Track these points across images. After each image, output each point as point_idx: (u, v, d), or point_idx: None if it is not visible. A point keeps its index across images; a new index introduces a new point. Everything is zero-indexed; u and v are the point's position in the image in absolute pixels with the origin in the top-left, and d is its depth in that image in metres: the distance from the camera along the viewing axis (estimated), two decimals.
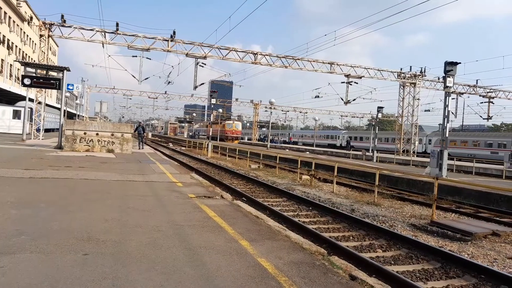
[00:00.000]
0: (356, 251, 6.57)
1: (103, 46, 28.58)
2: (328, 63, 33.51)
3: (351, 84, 34.23)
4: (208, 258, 4.32)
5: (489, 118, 39.49)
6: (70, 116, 56.49)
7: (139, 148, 25.23)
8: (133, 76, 32.40)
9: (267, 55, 32.70)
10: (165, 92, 63.46)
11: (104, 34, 28.16)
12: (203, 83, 33.99)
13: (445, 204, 11.80)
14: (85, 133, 18.73)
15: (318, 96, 46.35)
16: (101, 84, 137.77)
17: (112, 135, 19.60)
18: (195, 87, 31.82)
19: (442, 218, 10.15)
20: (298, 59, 32.56)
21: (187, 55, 30.09)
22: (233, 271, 3.97)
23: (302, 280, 3.90)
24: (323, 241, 6.99)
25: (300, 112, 74.51)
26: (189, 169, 17.46)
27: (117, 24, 27.78)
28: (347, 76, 33.87)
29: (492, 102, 39.03)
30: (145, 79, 34.97)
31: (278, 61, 32.67)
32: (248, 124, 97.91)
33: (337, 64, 33.75)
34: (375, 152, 31.02)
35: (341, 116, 76.49)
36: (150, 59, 31.88)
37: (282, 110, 75.03)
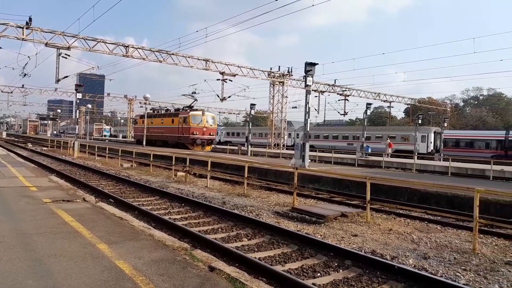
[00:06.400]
0: (222, 242, 6.81)
1: None
2: (204, 59, 33.76)
3: (226, 82, 35.14)
4: (58, 267, 4.00)
5: (345, 114, 44.60)
6: None
7: None
8: None
9: (139, 48, 31.43)
10: (22, 85, 55.64)
11: None
12: (67, 76, 30.91)
13: (306, 192, 13.00)
14: None
15: (195, 93, 46.37)
16: None
17: None
18: (58, 80, 28.83)
19: (303, 204, 11.17)
20: (173, 54, 32.05)
21: (46, 44, 27.03)
22: (84, 278, 3.75)
23: (160, 278, 3.89)
24: (189, 235, 7.07)
25: None
26: (50, 172, 15.76)
27: None
28: (222, 73, 34.65)
29: (347, 100, 44.18)
30: None
31: (152, 55, 31.69)
32: (122, 121, 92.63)
33: (212, 61, 34.22)
34: (249, 146, 32.44)
35: (219, 112, 78.28)
36: (0, 47, 27.72)
37: (159, 106, 72.87)
